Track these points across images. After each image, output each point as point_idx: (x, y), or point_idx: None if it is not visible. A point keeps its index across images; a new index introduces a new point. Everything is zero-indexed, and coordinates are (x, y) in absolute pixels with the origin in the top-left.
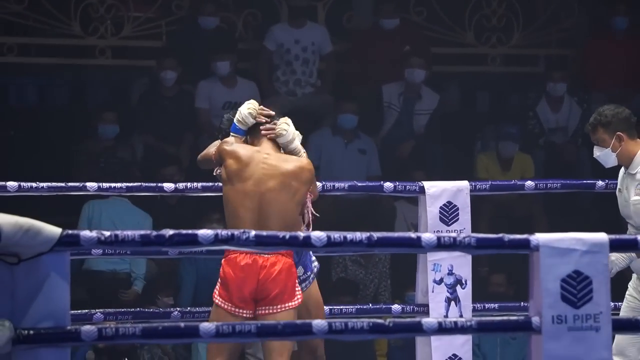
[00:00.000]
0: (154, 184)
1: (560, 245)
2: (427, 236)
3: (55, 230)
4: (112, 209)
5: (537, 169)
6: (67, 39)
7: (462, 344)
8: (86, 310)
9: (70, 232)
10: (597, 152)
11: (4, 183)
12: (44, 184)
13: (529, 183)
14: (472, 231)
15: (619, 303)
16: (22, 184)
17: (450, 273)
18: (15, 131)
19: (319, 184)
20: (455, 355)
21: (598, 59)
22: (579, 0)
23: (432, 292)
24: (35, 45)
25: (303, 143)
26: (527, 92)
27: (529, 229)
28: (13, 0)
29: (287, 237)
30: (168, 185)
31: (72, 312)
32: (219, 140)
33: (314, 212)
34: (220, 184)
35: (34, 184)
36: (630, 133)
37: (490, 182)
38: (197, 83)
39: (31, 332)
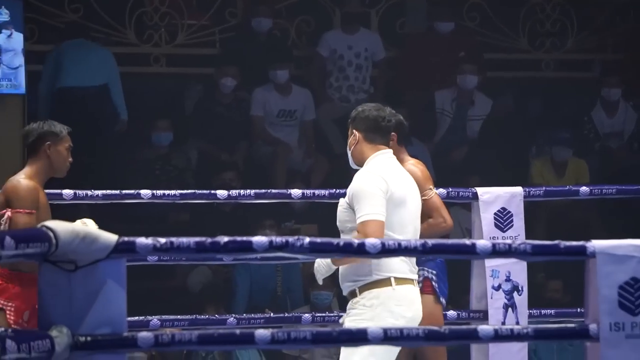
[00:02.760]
0: (207, 192)
1: (617, 252)
2: (482, 243)
3: (111, 238)
4: (73, 50)
5: (592, 174)
6: (122, 47)
7: (519, 350)
8: (142, 317)
9: (126, 239)
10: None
11: (60, 191)
12: (99, 192)
13: (584, 189)
14: (528, 236)
15: None
16: (78, 192)
17: (508, 279)
18: (73, 139)
19: None
20: None
21: None
22: (635, 4)
23: (491, 298)
24: None
25: None
26: (582, 97)
27: (585, 235)
28: (69, 9)
29: (342, 244)
30: (221, 193)
31: (129, 318)
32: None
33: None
34: (273, 190)
35: (89, 192)
36: (369, 136)
37: (544, 188)
38: (251, 90)
39: (88, 338)
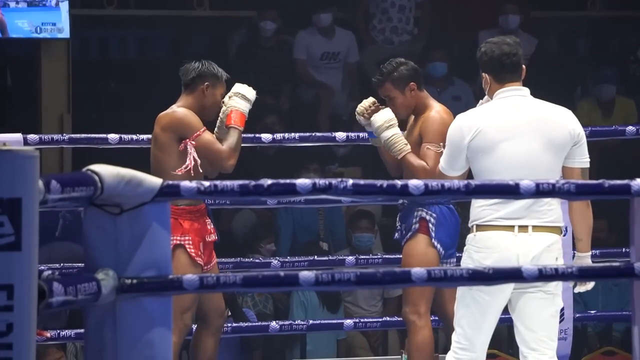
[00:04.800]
0: (252, 135)
1: None
2: (526, 183)
3: (156, 181)
4: None
5: None
6: None
7: (563, 291)
8: None
9: (170, 182)
10: None
11: (105, 135)
12: (144, 136)
13: (630, 128)
14: None
15: None
16: (123, 136)
17: None
18: (116, 84)
19: None
20: None
21: None
22: None
23: None
24: None
25: None
26: (629, 37)
27: (637, 177)
28: None
29: (385, 185)
30: (266, 136)
31: None
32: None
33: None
34: (317, 133)
35: (134, 136)
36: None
37: (590, 128)
38: (295, 34)
39: (134, 281)
